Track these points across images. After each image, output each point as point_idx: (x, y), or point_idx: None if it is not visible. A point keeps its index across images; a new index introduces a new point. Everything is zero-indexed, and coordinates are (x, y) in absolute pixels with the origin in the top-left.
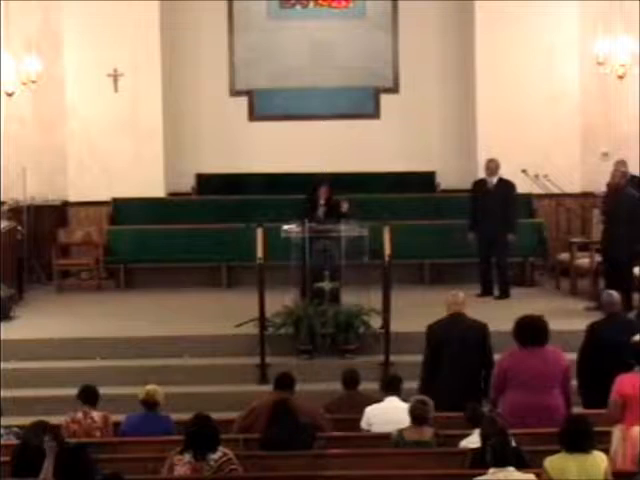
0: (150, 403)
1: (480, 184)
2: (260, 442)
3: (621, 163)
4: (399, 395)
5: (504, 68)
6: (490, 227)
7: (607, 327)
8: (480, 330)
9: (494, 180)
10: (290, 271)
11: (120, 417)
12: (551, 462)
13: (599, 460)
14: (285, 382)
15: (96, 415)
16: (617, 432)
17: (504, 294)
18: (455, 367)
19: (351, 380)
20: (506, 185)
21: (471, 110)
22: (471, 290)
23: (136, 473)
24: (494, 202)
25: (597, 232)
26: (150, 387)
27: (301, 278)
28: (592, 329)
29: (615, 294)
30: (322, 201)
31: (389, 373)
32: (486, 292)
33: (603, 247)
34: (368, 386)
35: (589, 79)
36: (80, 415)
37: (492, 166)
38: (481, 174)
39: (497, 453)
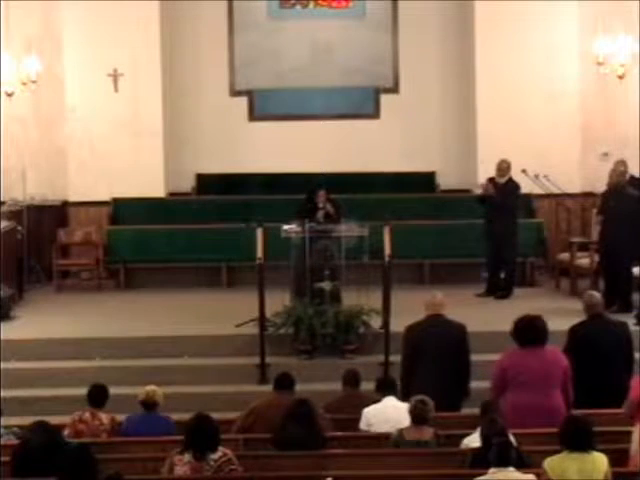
0: (150, 403)
1: (490, 182)
2: (275, 440)
3: (621, 163)
4: (395, 395)
5: (504, 68)
6: (497, 227)
7: (589, 328)
8: (459, 331)
9: (502, 181)
10: (290, 271)
11: (120, 417)
12: (551, 463)
13: (599, 460)
14: (285, 382)
15: (104, 417)
16: (636, 432)
17: (506, 293)
18: (433, 368)
19: (352, 380)
20: (511, 186)
21: (471, 110)
22: (471, 290)
23: (136, 473)
24: (500, 203)
25: (597, 232)
26: (149, 388)
27: (294, 277)
28: (574, 331)
29: (597, 295)
30: (321, 204)
31: (389, 373)
32: (490, 292)
33: (602, 247)
34: (368, 386)
35: (589, 79)
36: (88, 415)
37: (503, 167)
38: (481, 174)
39: (502, 453)
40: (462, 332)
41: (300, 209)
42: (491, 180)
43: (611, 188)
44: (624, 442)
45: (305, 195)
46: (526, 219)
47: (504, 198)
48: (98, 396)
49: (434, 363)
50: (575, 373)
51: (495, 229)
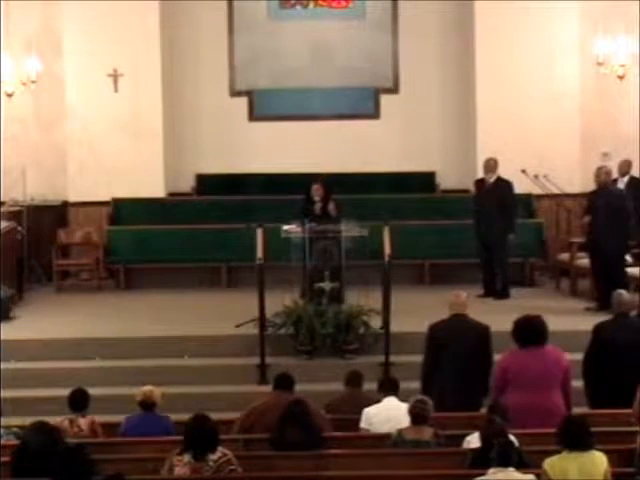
0: (148, 404)
1: (480, 183)
2: (272, 442)
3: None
4: (397, 395)
5: (504, 68)
6: (488, 226)
7: (613, 328)
8: (482, 332)
9: (491, 179)
10: (290, 271)
11: (120, 418)
12: (550, 463)
13: (598, 460)
14: (285, 382)
15: (83, 423)
16: None
17: (504, 294)
18: (456, 368)
19: (355, 380)
20: (503, 184)
21: (471, 110)
22: (471, 290)
23: (136, 473)
24: (491, 201)
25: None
26: (146, 388)
27: (303, 278)
28: (598, 329)
29: (625, 294)
30: (317, 197)
31: (389, 373)
32: (489, 293)
33: (592, 247)
34: (368, 386)
35: (589, 79)
36: (67, 423)
37: (490, 164)
38: (481, 174)
39: (504, 453)
40: (485, 332)
41: (302, 210)
42: (480, 180)
43: (598, 187)
44: (626, 442)
45: (304, 195)
46: (526, 219)
47: (494, 197)
48: (79, 401)
49: (457, 362)
50: (598, 372)
51: (486, 229)
